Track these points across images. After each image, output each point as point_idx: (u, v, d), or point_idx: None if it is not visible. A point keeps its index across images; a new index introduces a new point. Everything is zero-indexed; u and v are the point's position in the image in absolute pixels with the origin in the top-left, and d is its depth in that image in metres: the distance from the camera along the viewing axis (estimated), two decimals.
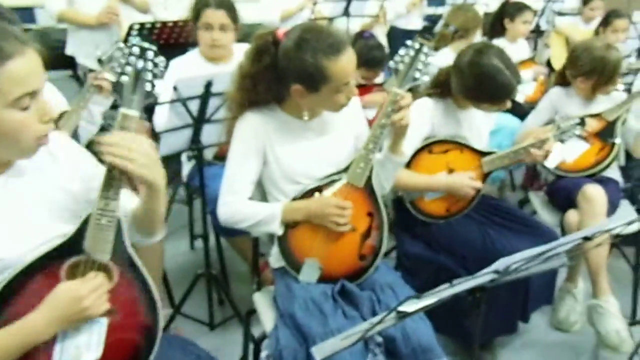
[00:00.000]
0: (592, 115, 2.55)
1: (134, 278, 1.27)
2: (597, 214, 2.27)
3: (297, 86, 1.59)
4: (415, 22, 5.08)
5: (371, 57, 3.20)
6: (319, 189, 1.69)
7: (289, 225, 1.71)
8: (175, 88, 1.86)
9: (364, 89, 3.33)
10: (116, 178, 1.21)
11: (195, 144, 2.09)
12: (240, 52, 2.69)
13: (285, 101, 1.70)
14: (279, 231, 1.70)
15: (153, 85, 1.33)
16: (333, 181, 1.69)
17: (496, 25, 4.11)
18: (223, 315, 2.48)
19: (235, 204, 1.71)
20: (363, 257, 1.72)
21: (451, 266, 2.12)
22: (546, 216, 2.58)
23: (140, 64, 1.30)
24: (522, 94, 3.92)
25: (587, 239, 1.31)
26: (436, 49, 3.51)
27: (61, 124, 2.14)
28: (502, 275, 1.24)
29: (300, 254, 1.71)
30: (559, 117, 2.63)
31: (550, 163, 2.55)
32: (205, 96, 1.96)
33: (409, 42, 1.72)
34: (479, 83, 1.99)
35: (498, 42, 4.02)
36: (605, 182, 2.50)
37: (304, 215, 1.68)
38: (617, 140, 2.48)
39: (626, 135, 2.58)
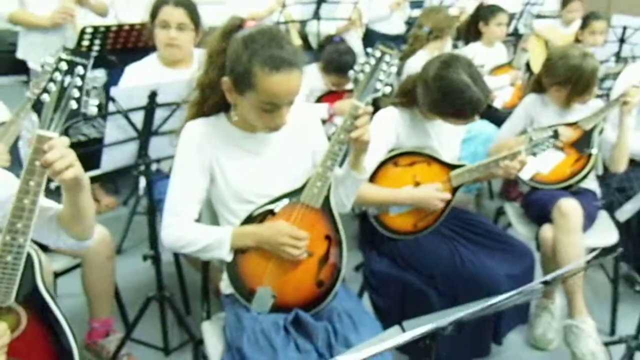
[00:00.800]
0: (568, 124, 2.44)
1: (45, 324, 1.12)
2: (572, 230, 2.16)
3: (227, 79, 1.46)
4: (398, 26, 4.91)
5: (343, 63, 3.08)
6: (272, 211, 1.55)
7: (239, 250, 1.57)
8: (112, 99, 1.70)
9: (334, 95, 3.21)
10: (26, 208, 1.07)
11: (142, 159, 1.94)
12: (200, 58, 2.56)
13: (232, 110, 1.56)
14: (228, 258, 1.55)
15: (79, 103, 1.20)
16: (287, 202, 1.55)
17: (471, 29, 4.01)
18: (181, 338, 2.32)
19: (178, 227, 1.56)
20: (321, 284, 1.58)
21: (419, 285, 1.99)
22: (521, 229, 2.47)
23: (67, 80, 1.20)
24: (500, 99, 3.82)
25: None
26: (412, 51, 3.38)
27: None
28: (453, 326, 1.11)
29: (251, 281, 1.57)
30: (533, 127, 2.52)
31: (525, 174, 2.44)
32: (150, 107, 1.81)
33: (369, 50, 1.59)
34: (445, 98, 1.87)
35: (474, 46, 3.92)
36: (582, 194, 2.40)
37: (254, 241, 1.54)
38: (594, 151, 2.37)
39: (603, 147, 2.48)
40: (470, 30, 4.02)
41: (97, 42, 2.88)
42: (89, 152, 1.88)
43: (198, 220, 1.61)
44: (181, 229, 1.56)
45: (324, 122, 3.15)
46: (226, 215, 1.62)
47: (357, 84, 1.55)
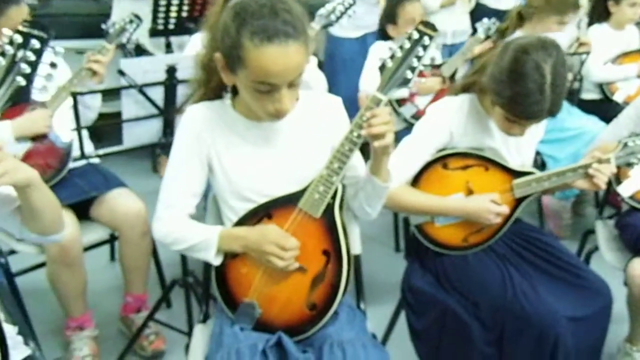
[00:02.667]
0: None
1: None
2: None
3: (218, 55, 1.24)
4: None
5: None
6: (269, 213, 1.34)
7: (230, 254, 1.38)
8: (120, 72, 1.57)
9: None
10: None
11: (167, 137, 1.80)
12: None
13: (237, 95, 1.36)
14: (215, 261, 1.37)
15: (29, 80, 1.10)
16: (287, 204, 1.33)
17: (598, 7, 3.39)
18: None
19: (169, 221, 1.40)
20: (313, 306, 1.34)
21: (461, 313, 1.68)
22: (609, 255, 2.02)
23: (19, 54, 1.10)
24: (623, 92, 3.23)
25: None
26: (507, 30, 2.91)
27: (49, 102, 1.95)
28: None
29: (238, 291, 1.37)
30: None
31: (624, 189, 1.99)
32: (169, 83, 1.65)
33: (408, 31, 1.30)
34: (506, 78, 1.49)
35: (600, 28, 3.32)
36: None
37: (241, 246, 1.34)
38: None
39: None
40: (597, 9, 3.41)
41: (173, 9, 2.80)
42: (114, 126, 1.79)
43: (202, 217, 1.44)
44: (170, 224, 1.40)
45: (403, 101, 2.85)
46: (227, 213, 1.43)
47: (384, 71, 1.27)
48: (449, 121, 1.66)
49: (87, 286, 2.05)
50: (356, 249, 1.58)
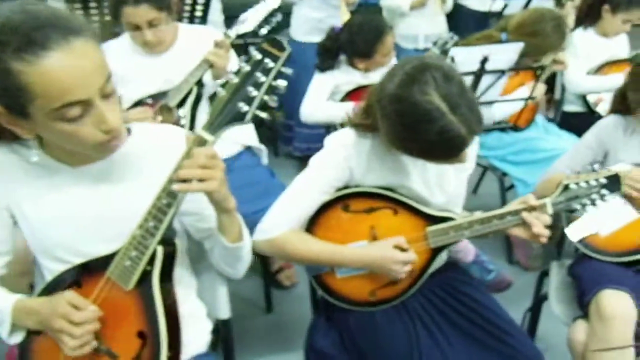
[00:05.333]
0: None
1: None
2: (610, 341, 1.40)
3: None
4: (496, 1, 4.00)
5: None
6: (77, 280, 1.07)
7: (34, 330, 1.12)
8: None
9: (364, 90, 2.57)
10: None
11: None
12: (186, 32, 2.12)
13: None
14: (10, 339, 1.11)
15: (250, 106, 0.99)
16: (99, 270, 1.06)
17: (593, 9, 3.03)
18: None
19: None
20: None
21: None
22: (559, 308, 1.73)
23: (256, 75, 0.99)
24: (606, 104, 2.90)
25: None
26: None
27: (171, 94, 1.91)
28: None
29: None
30: (604, 163, 1.74)
31: (573, 232, 1.69)
32: None
33: (251, 50, 1.03)
34: (405, 128, 1.22)
35: (585, 34, 2.99)
36: None
37: (35, 322, 1.08)
38: None
39: None
40: (591, 10, 3.06)
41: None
42: None
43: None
44: None
45: None
46: (47, 276, 1.18)
47: (214, 103, 1.00)
48: (347, 155, 1.38)
49: None
50: (224, 312, 1.32)
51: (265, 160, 2.27)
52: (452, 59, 1.65)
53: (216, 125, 0.99)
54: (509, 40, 2.36)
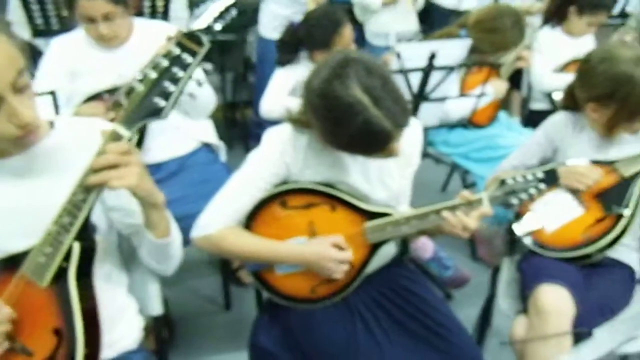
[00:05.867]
0: (599, 163, 1.64)
1: None
2: (547, 338, 1.40)
3: None
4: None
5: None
6: None
7: None
8: None
9: None
10: None
11: None
12: (142, 27, 2.10)
13: None
14: None
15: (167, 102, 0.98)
16: (12, 266, 1.05)
17: (561, 9, 3.03)
18: None
19: None
20: None
21: None
22: (505, 303, 1.73)
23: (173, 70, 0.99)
24: None
25: None
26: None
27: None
28: None
29: None
30: (556, 159, 1.75)
31: (520, 227, 1.70)
32: None
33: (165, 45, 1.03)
34: (332, 122, 1.22)
35: (552, 32, 2.99)
36: (606, 269, 1.61)
37: None
38: (626, 212, 1.55)
39: None
40: (559, 9, 3.06)
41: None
42: None
43: None
44: None
45: None
46: None
47: (130, 97, 0.99)
48: (283, 151, 1.38)
49: None
50: (155, 309, 1.31)
51: (223, 157, 2.26)
52: (398, 56, 1.65)
53: (132, 120, 0.97)
54: (468, 36, 2.37)
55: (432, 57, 1.67)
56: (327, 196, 1.40)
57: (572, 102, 1.75)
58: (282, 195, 1.40)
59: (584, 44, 3.02)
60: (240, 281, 2.44)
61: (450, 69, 1.75)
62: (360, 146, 1.24)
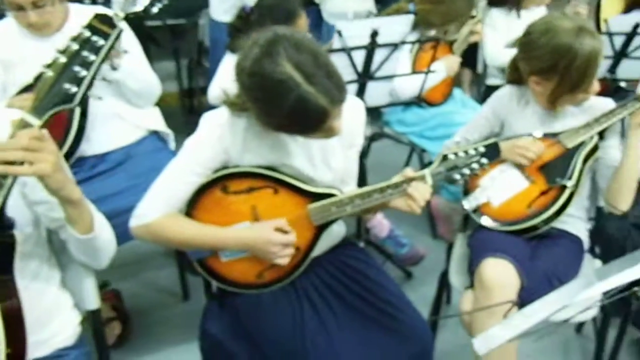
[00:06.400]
0: (545, 136, 1.64)
1: None
2: (491, 310, 1.40)
3: None
4: None
5: None
6: None
7: None
8: None
9: None
10: None
11: None
12: (78, 13, 2.01)
13: None
14: None
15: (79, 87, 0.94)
16: None
17: None
18: None
19: None
20: None
21: None
22: (456, 279, 1.74)
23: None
24: None
25: None
26: None
27: None
28: None
29: None
30: (504, 133, 1.75)
31: (468, 203, 1.70)
32: None
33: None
34: (266, 101, 1.19)
35: (499, 12, 2.98)
36: (554, 240, 1.63)
37: None
38: (569, 183, 1.57)
39: (600, 170, 1.65)
40: None
41: None
42: None
43: None
44: None
45: None
46: None
47: (39, 83, 0.94)
48: (221, 135, 1.34)
49: None
50: (91, 303, 1.28)
51: (172, 145, 2.21)
52: (339, 34, 1.62)
53: (42, 108, 0.93)
54: (416, 10, 2.37)
55: (374, 34, 1.64)
56: (269, 179, 1.37)
57: (516, 75, 1.74)
58: (222, 180, 1.37)
59: (537, 18, 3.04)
60: (197, 271, 2.39)
61: (394, 46, 1.72)
62: (297, 125, 1.22)
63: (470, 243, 1.67)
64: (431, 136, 2.57)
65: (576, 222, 1.70)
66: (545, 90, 1.61)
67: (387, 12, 2.59)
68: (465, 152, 1.38)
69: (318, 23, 3.49)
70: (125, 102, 2.05)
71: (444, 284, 1.92)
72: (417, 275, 2.47)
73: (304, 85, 1.12)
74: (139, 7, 1.91)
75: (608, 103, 1.65)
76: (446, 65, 2.53)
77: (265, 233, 1.34)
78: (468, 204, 1.69)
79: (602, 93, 1.66)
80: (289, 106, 1.14)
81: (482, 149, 1.38)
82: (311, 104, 1.14)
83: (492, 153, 1.39)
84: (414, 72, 2.27)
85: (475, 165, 1.38)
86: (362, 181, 2.73)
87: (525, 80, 1.69)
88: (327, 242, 1.53)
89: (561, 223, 1.66)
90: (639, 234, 1.93)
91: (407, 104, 2.55)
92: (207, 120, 1.36)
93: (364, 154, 2.84)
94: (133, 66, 1.96)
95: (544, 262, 1.56)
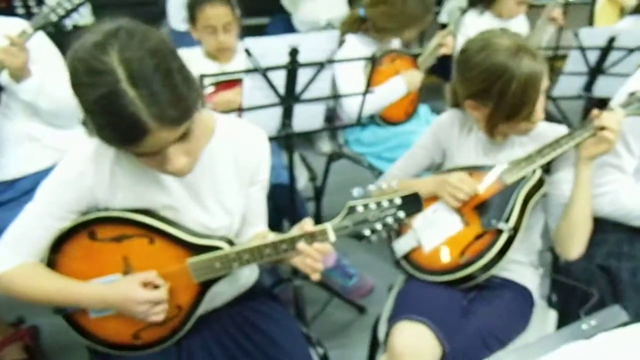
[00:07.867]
0: (482, 170, 1.43)
1: None
2: None
3: None
4: None
5: None
6: None
7: None
8: None
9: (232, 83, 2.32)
10: None
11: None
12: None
13: None
14: None
15: None
16: None
17: None
18: None
19: None
20: None
21: None
22: (384, 329, 1.51)
23: None
24: None
25: None
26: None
27: None
28: None
29: None
30: (445, 166, 1.54)
31: (399, 247, 1.49)
32: None
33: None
34: (74, 90, 0.95)
35: (482, 17, 2.78)
36: (493, 294, 1.41)
37: None
38: (505, 227, 1.34)
39: (549, 209, 1.43)
40: None
41: None
42: None
43: None
44: None
45: None
46: None
47: None
48: (83, 171, 1.14)
49: None
50: None
51: None
52: (248, 52, 1.42)
53: None
54: (365, 15, 2.18)
55: (294, 52, 1.44)
56: (142, 226, 1.17)
57: (456, 98, 1.53)
58: (89, 226, 1.17)
59: (516, 26, 2.82)
60: None
61: (320, 65, 1.52)
62: (106, 126, 0.95)
63: (402, 291, 1.45)
64: (390, 157, 2.35)
65: (523, 269, 1.47)
66: (483, 117, 1.40)
67: (341, 22, 2.39)
68: (378, 203, 1.14)
69: (288, 32, 3.30)
70: (40, 123, 1.87)
71: (376, 331, 1.70)
72: (372, 310, 2.25)
73: (122, 84, 0.89)
74: (53, 18, 1.73)
75: (561, 131, 1.43)
76: (407, 80, 2.32)
77: (129, 289, 1.14)
78: (399, 248, 1.47)
79: None
80: (93, 101, 0.91)
81: (398, 201, 1.13)
82: (124, 108, 0.90)
83: (412, 205, 1.14)
84: (367, 90, 2.06)
85: (389, 220, 1.14)
86: (318, 205, 2.54)
87: (461, 104, 1.47)
88: (231, 291, 1.34)
89: (504, 271, 1.44)
90: (606, 278, 1.69)
91: (365, 123, 2.35)
92: (70, 154, 1.16)
93: (325, 173, 2.64)
94: (47, 84, 1.77)
95: (479, 318, 1.34)
